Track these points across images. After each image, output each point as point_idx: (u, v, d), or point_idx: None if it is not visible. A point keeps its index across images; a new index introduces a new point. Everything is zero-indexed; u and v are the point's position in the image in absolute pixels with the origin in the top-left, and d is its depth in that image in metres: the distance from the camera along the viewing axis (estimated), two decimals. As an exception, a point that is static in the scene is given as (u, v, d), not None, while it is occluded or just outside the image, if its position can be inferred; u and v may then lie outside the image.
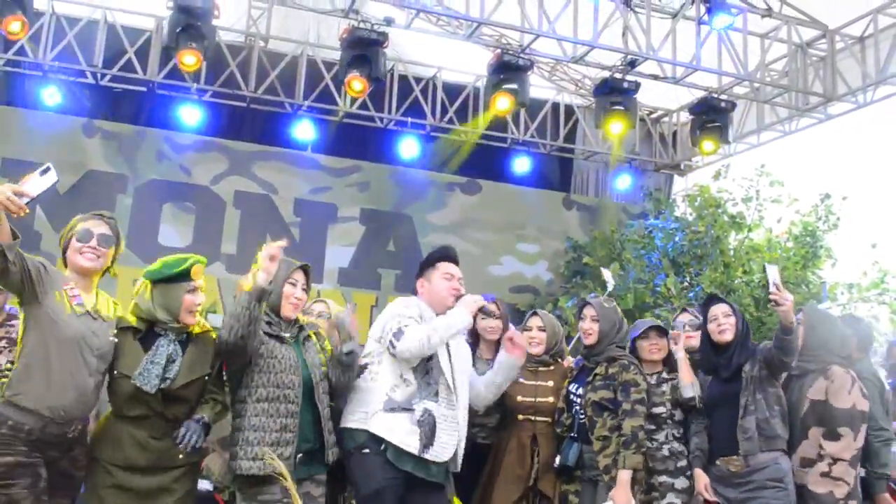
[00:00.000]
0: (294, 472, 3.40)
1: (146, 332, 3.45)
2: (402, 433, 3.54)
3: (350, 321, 3.66)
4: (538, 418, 4.31)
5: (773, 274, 3.97)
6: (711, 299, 4.36)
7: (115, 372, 3.38)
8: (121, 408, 3.40)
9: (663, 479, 4.15)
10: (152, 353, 3.36)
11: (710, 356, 4.25)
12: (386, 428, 3.56)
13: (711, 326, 4.24)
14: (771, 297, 3.93)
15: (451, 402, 3.65)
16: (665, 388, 4.30)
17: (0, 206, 2.88)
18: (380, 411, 3.59)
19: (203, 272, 3.53)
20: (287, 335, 3.66)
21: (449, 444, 3.62)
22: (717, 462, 4.11)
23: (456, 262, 3.92)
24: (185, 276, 3.46)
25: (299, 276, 3.77)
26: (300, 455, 3.50)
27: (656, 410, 4.23)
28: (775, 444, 4.02)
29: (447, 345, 3.73)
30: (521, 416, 4.31)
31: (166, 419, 3.40)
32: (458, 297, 3.76)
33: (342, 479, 3.87)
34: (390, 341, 3.61)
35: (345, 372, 3.66)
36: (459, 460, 3.73)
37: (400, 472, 3.53)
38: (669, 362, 4.41)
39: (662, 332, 4.42)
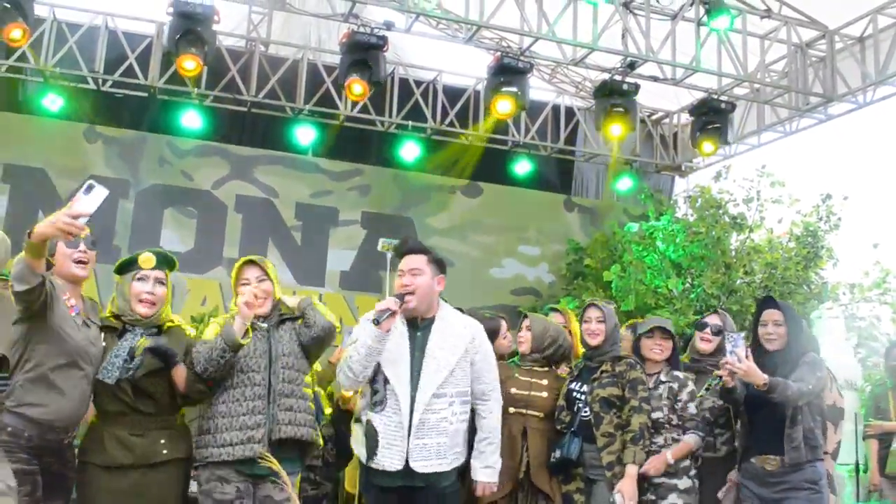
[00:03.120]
0: (257, 469, 3.41)
1: (122, 330, 3.50)
2: (357, 443, 3.68)
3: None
4: (530, 412, 4.31)
5: (734, 343, 3.93)
6: (767, 302, 4.34)
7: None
8: (100, 405, 3.45)
9: (662, 479, 4.15)
10: (117, 348, 3.40)
11: (758, 357, 4.23)
12: (353, 438, 3.76)
13: (761, 331, 4.24)
14: (724, 365, 3.93)
15: (399, 407, 3.57)
16: (662, 390, 4.29)
17: (61, 233, 2.89)
18: (354, 425, 3.78)
19: (153, 261, 3.53)
20: (263, 324, 3.69)
21: (399, 450, 3.53)
22: (752, 460, 4.10)
23: (409, 253, 3.73)
24: (132, 264, 3.51)
25: (249, 273, 3.74)
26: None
27: (654, 416, 4.22)
28: (818, 453, 4.04)
29: (417, 347, 3.65)
30: (512, 409, 4.28)
31: (143, 414, 3.42)
32: (402, 295, 3.59)
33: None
34: None
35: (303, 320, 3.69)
36: (429, 462, 3.56)
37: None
38: (671, 362, 4.41)
39: (667, 332, 4.41)
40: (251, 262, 3.77)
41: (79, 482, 3.40)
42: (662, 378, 4.34)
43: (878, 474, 6.10)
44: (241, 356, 3.56)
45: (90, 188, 2.94)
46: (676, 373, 4.37)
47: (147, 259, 3.52)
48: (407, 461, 3.53)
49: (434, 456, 3.57)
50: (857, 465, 6.62)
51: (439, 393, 3.61)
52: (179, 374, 3.48)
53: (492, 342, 4.49)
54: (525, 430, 4.27)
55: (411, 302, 3.61)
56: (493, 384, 3.82)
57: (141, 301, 3.49)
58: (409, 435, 3.54)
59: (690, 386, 4.30)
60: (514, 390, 4.33)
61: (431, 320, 3.72)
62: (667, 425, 4.24)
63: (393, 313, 3.53)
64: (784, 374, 4.05)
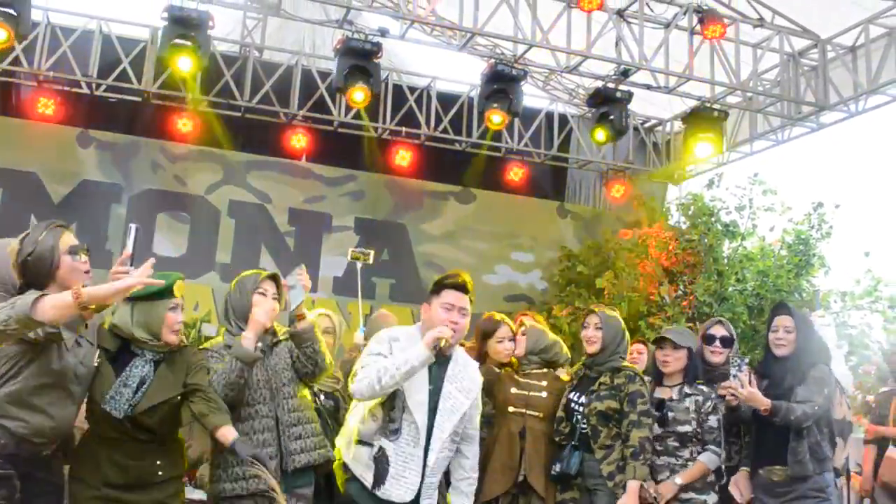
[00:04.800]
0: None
1: (118, 351, 3.34)
2: (361, 466, 3.50)
3: (297, 284, 3.54)
4: (529, 412, 4.32)
5: (737, 367, 4.04)
6: (780, 307, 4.37)
7: (88, 395, 3.31)
8: (96, 429, 3.37)
9: (691, 495, 4.11)
10: (125, 376, 3.27)
11: (767, 363, 4.24)
12: (352, 458, 3.55)
13: (771, 336, 4.27)
14: (727, 389, 3.99)
15: (417, 440, 3.46)
16: (689, 403, 4.20)
17: (119, 279, 2.92)
18: (352, 442, 3.57)
19: (183, 289, 3.43)
20: (259, 344, 3.62)
21: (410, 483, 3.44)
22: (760, 472, 4.13)
23: (464, 291, 3.59)
24: (166, 293, 3.33)
25: (268, 286, 3.68)
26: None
27: (681, 429, 4.16)
28: (826, 465, 4.07)
29: (433, 381, 3.54)
30: (511, 409, 4.32)
31: (140, 440, 3.35)
32: (454, 332, 3.48)
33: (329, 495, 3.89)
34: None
35: (299, 346, 3.58)
36: (433, 499, 3.53)
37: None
38: (688, 374, 4.33)
39: (674, 344, 4.32)
40: (274, 277, 3.73)
41: (71, 494, 3.33)
42: (687, 391, 4.25)
43: (871, 480, 6.12)
44: (248, 387, 3.55)
45: (127, 233, 3.21)
46: (701, 386, 4.27)
47: (180, 287, 3.41)
48: (417, 496, 3.45)
49: (436, 493, 3.57)
50: (847, 471, 6.64)
51: (452, 436, 3.57)
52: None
53: (485, 342, 4.53)
54: (524, 430, 4.28)
55: (453, 340, 3.52)
56: (477, 426, 3.76)
57: (174, 331, 3.39)
58: (423, 471, 3.46)
59: (714, 399, 4.22)
60: (513, 390, 4.36)
61: (448, 358, 3.62)
62: (693, 438, 4.17)
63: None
64: (792, 382, 4.07)
